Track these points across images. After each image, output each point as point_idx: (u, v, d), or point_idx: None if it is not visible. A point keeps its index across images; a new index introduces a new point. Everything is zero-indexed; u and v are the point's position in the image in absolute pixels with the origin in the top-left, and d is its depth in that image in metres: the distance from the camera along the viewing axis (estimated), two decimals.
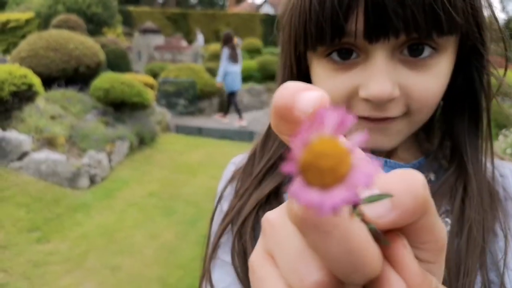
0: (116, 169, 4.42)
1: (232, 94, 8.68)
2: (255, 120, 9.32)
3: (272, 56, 14.45)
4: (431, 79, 0.39)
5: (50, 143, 4.14)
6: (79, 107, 5.29)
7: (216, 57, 12.34)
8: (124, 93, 5.01)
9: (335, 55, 0.40)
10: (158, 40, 14.53)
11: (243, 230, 0.48)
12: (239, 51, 8.52)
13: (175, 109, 9.54)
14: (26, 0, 23.14)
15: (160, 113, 6.52)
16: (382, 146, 0.42)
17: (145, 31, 14.43)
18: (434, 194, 0.43)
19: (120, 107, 5.31)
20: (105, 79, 5.02)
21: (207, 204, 3.74)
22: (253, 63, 12.92)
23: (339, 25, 0.36)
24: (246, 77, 12.44)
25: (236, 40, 22.56)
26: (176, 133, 6.71)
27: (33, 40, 5.54)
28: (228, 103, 8.77)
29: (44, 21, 15.78)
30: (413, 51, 0.38)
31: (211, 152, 5.50)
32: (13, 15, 17.35)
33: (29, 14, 16.74)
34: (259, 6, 47.13)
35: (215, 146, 5.89)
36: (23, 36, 15.95)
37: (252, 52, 16.54)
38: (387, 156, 0.48)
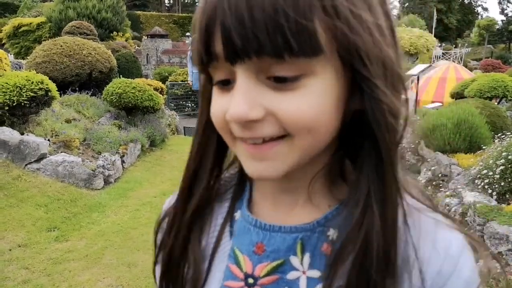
0: (129, 170, 4.58)
1: (197, 93, 9.26)
2: None
3: None
4: (299, 100, 0.37)
5: (66, 145, 4.32)
6: (92, 111, 5.48)
7: None
8: (136, 97, 5.19)
9: None
10: (166, 44, 14.77)
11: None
12: None
13: (183, 111, 9.73)
14: (36, 5, 23.57)
15: (170, 116, 6.69)
16: (269, 175, 0.40)
17: (153, 36, 14.69)
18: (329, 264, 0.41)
19: (131, 111, 5.49)
20: (118, 85, 5.19)
21: None
22: None
23: (208, 48, 0.37)
24: None
25: None
26: (184, 135, 6.87)
27: (48, 46, 5.74)
28: None
29: (55, 26, 16.11)
30: None
31: None
32: (25, 19, 17.71)
33: (40, 19, 17.09)
34: None
35: None
36: (35, 40, 16.31)
37: None
38: (303, 199, 0.46)
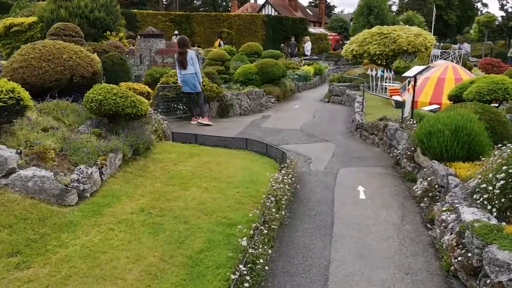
0: (108, 183, 4.33)
1: (187, 96, 9.26)
2: (253, 125, 9.23)
3: (272, 59, 14.32)
4: None
5: (40, 157, 4.06)
6: (73, 118, 5.22)
7: (216, 61, 12.26)
8: (117, 104, 4.93)
9: None
10: (160, 44, 14.48)
11: None
12: (189, 56, 8.68)
13: (174, 114, 9.48)
14: (29, 5, 23.21)
15: (157, 121, 6.43)
16: None
17: (147, 35, 14.41)
18: None
19: (114, 118, 5.23)
20: (98, 91, 4.94)
21: (196, 220, 3.64)
22: (252, 66, 12.81)
23: None
24: (245, 81, 12.36)
25: (218, 42, 22.30)
26: (173, 141, 6.61)
27: (26, 51, 5.48)
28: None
29: (47, 26, 15.77)
30: None
31: (205, 162, 5.40)
32: (17, 19, 17.38)
33: (32, 19, 16.76)
34: (261, 7, 47.03)
35: (210, 155, 5.79)
36: (26, 41, 15.98)
37: (251, 55, 16.41)
38: None
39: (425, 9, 44.58)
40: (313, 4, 62.68)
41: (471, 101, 6.13)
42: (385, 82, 12.01)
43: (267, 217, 3.55)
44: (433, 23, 30.21)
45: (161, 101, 9.23)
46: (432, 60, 13.76)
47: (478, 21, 39.60)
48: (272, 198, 3.84)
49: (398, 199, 4.61)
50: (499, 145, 5.01)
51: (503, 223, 3.10)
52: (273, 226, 3.52)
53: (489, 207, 3.32)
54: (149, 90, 7.03)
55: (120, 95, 5.03)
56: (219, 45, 21.43)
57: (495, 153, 3.64)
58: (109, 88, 5.06)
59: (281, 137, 7.92)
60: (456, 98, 6.71)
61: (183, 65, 8.87)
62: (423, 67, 6.88)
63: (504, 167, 3.27)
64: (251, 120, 9.84)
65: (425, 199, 4.38)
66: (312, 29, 41.69)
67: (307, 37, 24.97)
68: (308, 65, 20.38)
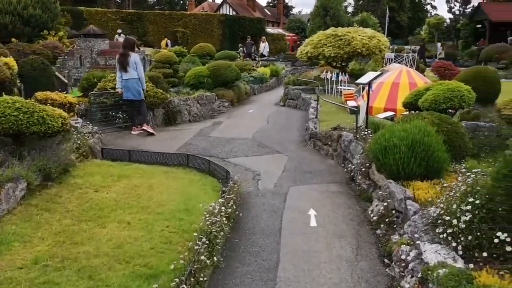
0: (2, 222, 3.47)
1: (128, 103, 8.39)
2: (201, 134, 8.50)
3: (226, 61, 13.63)
4: None
5: None
6: None
7: (164, 63, 11.38)
8: (19, 122, 4.06)
9: None
10: (103, 44, 13.35)
11: None
12: (132, 59, 7.88)
13: (113, 124, 8.56)
14: None
15: (81, 136, 5.56)
16: None
17: (87, 35, 13.23)
18: None
19: (18, 137, 4.34)
20: None
21: (106, 272, 2.89)
22: (204, 68, 12.06)
23: None
24: (196, 85, 11.60)
25: (165, 42, 21.34)
26: (102, 159, 5.77)
27: None
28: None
29: None
30: None
31: (135, 185, 4.63)
32: None
33: None
34: (218, 7, 46.16)
35: (143, 176, 5.02)
36: None
37: (203, 56, 15.64)
38: None
39: (379, 11, 45.73)
40: (271, 4, 62.60)
41: (427, 110, 5.79)
42: (340, 86, 11.70)
43: (195, 266, 2.87)
44: (386, 24, 30.83)
45: (97, 110, 8.27)
46: (386, 64, 13.68)
47: (428, 23, 41.09)
48: (204, 239, 3.17)
49: (352, 226, 4.08)
50: (458, 161, 4.71)
51: (471, 265, 2.62)
52: (201, 279, 2.84)
53: (454, 244, 2.84)
54: (72, 100, 6.12)
55: (24, 110, 4.15)
56: (167, 45, 20.40)
57: (458, 177, 3.17)
58: (11, 101, 4.17)
59: (230, 148, 7.26)
60: (411, 105, 6.36)
61: (124, 68, 8.04)
62: (377, 73, 6.49)
63: (471, 199, 2.80)
64: (200, 128, 9.11)
65: (382, 225, 3.88)
66: (270, 29, 41.43)
67: (263, 38, 24.49)
68: (265, 66, 19.89)
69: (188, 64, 13.54)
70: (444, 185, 3.57)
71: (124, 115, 8.58)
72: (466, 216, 2.78)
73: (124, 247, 3.30)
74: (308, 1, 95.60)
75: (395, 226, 3.73)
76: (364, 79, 6.21)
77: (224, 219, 3.61)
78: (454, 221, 2.88)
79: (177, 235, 3.56)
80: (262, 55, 23.27)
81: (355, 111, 6.60)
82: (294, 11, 72.66)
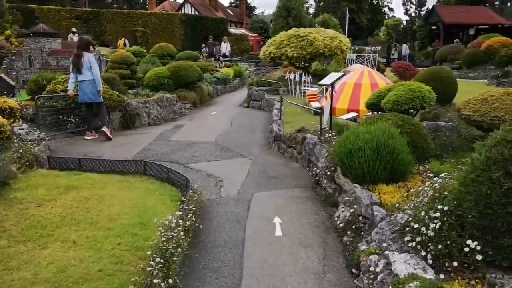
0: None
1: (85, 107, 7.91)
2: (161, 138, 8.11)
3: (186, 61, 13.22)
4: None
5: None
6: None
7: (120, 64, 10.82)
8: None
9: None
10: (54, 44, 12.54)
11: None
12: (86, 59, 7.46)
13: (65, 129, 7.98)
14: None
15: (24, 144, 5.06)
16: None
17: (37, 34, 12.38)
18: None
19: None
20: None
21: None
22: (164, 69, 11.61)
23: None
24: (157, 86, 11.14)
25: (123, 41, 20.59)
26: (49, 168, 5.28)
27: None
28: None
29: None
30: None
31: (84, 197, 4.23)
32: None
33: None
34: (180, 6, 45.31)
35: (94, 186, 4.62)
36: None
37: (164, 57, 15.14)
38: None
39: (339, 12, 46.63)
40: (233, 4, 62.32)
41: (389, 111, 5.76)
42: (304, 86, 11.65)
43: None
44: (347, 25, 31.46)
45: (46, 114, 7.67)
46: (348, 64, 13.80)
47: (386, 24, 42.41)
48: (159, 259, 2.87)
49: (318, 233, 3.92)
50: (421, 162, 4.67)
51: (442, 275, 2.51)
52: None
53: (423, 252, 2.72)
54: (13, 104, 5.58)
55: None
56: (125, 44, 19.63)
57: (427, 184, 3.07)
58: None
59: (191, 153, 6.93)
60: (374, 106, 6.33)
61: (78, 69, 7.56)
62: (340, 74, 6.41)
63: (440, 206, 2.69)
64: (161, 132, 8.70)
65: (349, 232, 3.74)
66: (233, 30, 41.18)
67: (225, 37, 24.17)
68: (228, 67, 19.61)
69: (148, 65, 13.02)
70: (411, 190, 3.46)
71: (77, 119, 8.03)
72: (435, 224, 2.67)
73: (68, 271, 2.94)
74: (270, 1, 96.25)
75: (362, 233, 3.59)
76: (327, 80, 6.10)
77: (182, 233, 3.32)
78: (423, 229, 2.77)
79: (130, 253, 3.23)
80: (224, 55, 22.95)
81: (318, 112, 6.49)
82: (257, 11, 72.80)
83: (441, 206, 2.68)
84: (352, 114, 7.21)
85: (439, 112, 7.57)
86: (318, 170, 5.27)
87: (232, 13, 53.99)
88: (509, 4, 38.08)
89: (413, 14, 57.49)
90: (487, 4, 45.36)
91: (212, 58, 22.10)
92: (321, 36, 12.79)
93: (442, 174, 3.20)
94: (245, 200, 4.78)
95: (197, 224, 3.86)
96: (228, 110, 12.10)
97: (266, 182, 5.42)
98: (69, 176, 4.94)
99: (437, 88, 6.95)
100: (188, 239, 3.57)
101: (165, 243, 3.11)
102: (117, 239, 3.45)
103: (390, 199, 3.70)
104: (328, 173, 4.76)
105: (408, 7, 58.20)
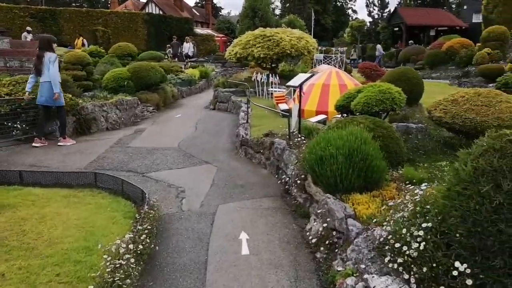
0: None
1: (43, 109, 7.29)
2: (119, 144, 7.52)
3: (148, 62, 12.57)
4: None
5: None
6: None
7: (74, 64, 10.06)
8: None
9: None
10: (2, 43, 11.58)
11: None
12: (48, 60, 6.95)
13: (10, 136, 7.24)
14: None
15: None
16: None
17: None
18: None
19: None
20: None
21: None
22: (124, 70, 10.94)
23: None
24: (116, 88, 10.47)
25: (81, 41, 19.66)
26: None
27: None
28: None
29: None
30: None
31: (22, 218, 3.68)
32: None
33: None
34: (144, 5, 44.01)
35: (34, 204, 4.06)
36: None
37: (124, 57, 14.40)
38: None
39: (305, 13, 46.95)
40: (199, 4, 61.40)
41: (360, 113, 5.53)
42: (271, 87, 11.36)
43: None
44: (312, 26, 31.62)
45: None
46: (315, 65, 13.65)
47: (351, 25, 43.08)
48: None
49: (289, 250, 3.57)
50: (394, 167, 4.44)
51: None
52: None
53: (406, 275, 2.42)
54: None
55: None
56: (83, 44, 18.66)
57: (407, 197, 2.78)
58: None
59: (151, 160, 6.42)
60: (343, 108, 6.09)
61: (37, 70, 7.05)
62: (308, 75, 6.13)
63: (424, 224, 2.40)
64: (119, 137, 8.11)
65: (322, 248, 3.41)
66: (199, 30, 40.46)
67: (187, 38, 23.51)
68: (194, 68, 19.06)
69: (106, 66, 12.28)
70: (390, 204, 3.17)
71: (24, 125, 7.30)
72: (418, 243, 2.38)
73: None
74: (237, 2, 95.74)
75: (336, 249, 3.27)
76: (295, 82, 5.80)
77: (133, 260, 2.87)
78: (404, 248, 2.47)
79: (70, 287, 2.74)
80: (187, 56, 22.34)
81: (287, 115, 6.18)
82: (223, 12, 72.22)
83: (425, 223, 2.39)
84: (321, 117, 6.95)
85: (408, 113, 7.47)
86: (287, 178, 4.94)
87: (198, 13, 53.16)
88: (465, 7, 39.64)
89: (376, 16, 58.90)
90: (445, 7, 47.17)
91: (176, 59, 21.44)
92: (287, 36, 12.54)
93: (423, 185, 2.93)
94: (209, 213, 4.36)
95: (152, 245, 3.40)
96: (193, 112, 11.61)
97: (232, 192, 5.02)
98: (6, 192, 4.33)
99: (404, 89, 6.78)
100: (142, 265, 3.11)
101: (111, 274, 2.65)
102: (56, 268, 2.94)
103: (365, 211, 3.41)
104: (298, 181, 4.43)
105: (371, 9, 59.66)
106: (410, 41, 28.92)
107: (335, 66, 12.37)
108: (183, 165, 6.24)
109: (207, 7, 54.23)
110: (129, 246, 2.95)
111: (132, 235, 3.16)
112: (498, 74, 14.37)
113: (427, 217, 2.47)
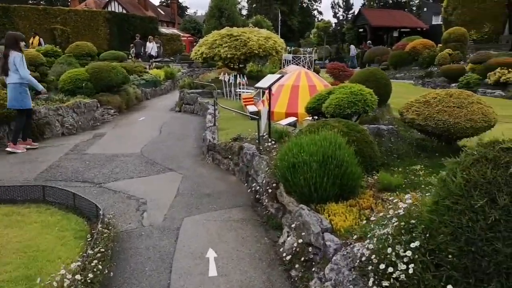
0: None
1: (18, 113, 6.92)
2: (75, 151, 6.94)
3: (109, 62, 11.90)
4: None
5: None
6: None
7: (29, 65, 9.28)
8: None
9: None
10: None
11: None
12: (13, 59, 6.44)
13: None
14: None
15: None
16: None
17: None
18: None
19: None
20: None
21: None
22: (82, 71, 10.26)
23: None
24: (74, 90, 9.78)
25: (37, 40, 18.61)
26: None
27: None
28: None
29: None
30: None
31: None
32: None
33: None
34: (106, 4, 42.44)
35: None
36: None
37: (82, 57, 13.62)
38: None
39: (272, 14, 46.98)
40: (164, 4, 60.09)
41: (332, 115, 5.31)
42: (239, 88, 11.04)
43: None
44: (279, 27, 31.58)
45: None
46: (284, 65, 13.46)
47: (317, 26, 43.54)
48: None
49: (262, 269, 3.25)
50: (369, 173, 4.24)
51: None
52: None
53: None
54: None
55: None
56: (39, 44, 17.60)
57: (390, 211, 2.53)
58: None
59: (110, 169, 5.93)
60: (314, 110, 5.86)
61: (4, 71, 6.58)
62: (277, 76, 5.86)
63: (412, 244, 2.15)
64: (76, 143, 7.52)
65: (297, 265, 3.13)
66: (164, 29, 39.53)
67: (151, 37, 22.71)
68: (159, 68, 18.42)
69: (63, 66, 11.52)
70: (371, 218, 2.93)
71: None
72: (406, 265, 2.13)
73: None
74: (203, 2, 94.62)
75: (313, 267, 2.99)
76: (264, 83, 5.51)
77: None
78: (390, 269, 2.23)
79: None
80: (151, 56, 21.61)
81: (256, 118, 5.88)
82: (189, 11, 71.15)
83: (412, 243, 2.15)
84: (291, 119, 6.70)
85: (377, 114, 7.37)
86: (258, 186, 4.63)
87: (163, 13, 52.00)
88: (425, 9, 41.02)
89: (341, 17, 59.91)
90: (406, 9, 48.68)
91: (140, 59, 20.70)
92: (255, 36, 12.27)
93: (407, 196, 2.70)
94: (173, 228, 3.97)
95: (106, 271, 2.99)
96: (158, 115, 11.09)
97: (198, 202, 4.65)
98: None
99: (373, 90, 6.71)
100: None
101: None
102: None
103: (342, 223, 3.15)
104: (270, 190, 4.12)
105: (337, 10, 60.58)
106: (368, 41, 29.52)
107: (304, 67, 12.22)
108: (146, 173, 5.80)
109: (173, 6, 53.21)
110: (76, 276, 2.53)
111: (80, 263, 2.73)
112: (460, 74, 14.81)
113: (414, 234, 2.23)
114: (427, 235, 2.18)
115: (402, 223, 2.35)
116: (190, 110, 11.48)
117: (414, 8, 52.97)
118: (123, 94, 11.84)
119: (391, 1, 53.47)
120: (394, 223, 2.42)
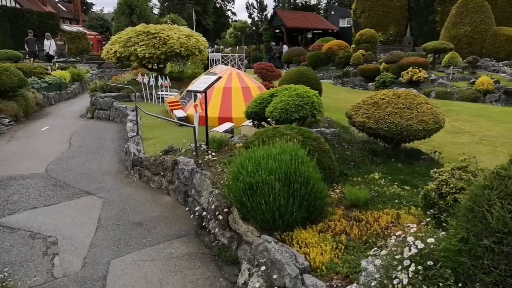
0: None
1: None
2: None
3: (6, 62, 9.94)
4: None
5: None
6: None
7: None
8: None
9: None
10: None
11: None
12: None
13: None
14: None
15: None
16: None
17: None
18: None
19: None
20: None
21: None
22: None
23: None
24: None
25: None
26: None
27: None
28: None
29: None
30: None
31: None
32: None
33: None
34: None
35: None
36: None
37: None
38: None
39: (185, 14, 45.58)
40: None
41: (277, 121, 4.77)
42: (161, 91, 10.02)
43: None
44: (194, 27, 30.59)
45: None
46: (212, 65, 12.68)
47: (234, 26, 43.32)
48: None
49: None
50: (329, 185, 3.74)
51: None
52: None
53: None
54: None
55: None
56: None
57: (398, 250, 2.00)
58: None
59: (5, 197, 4.65)
60: (256, 115, 5.27)
61: None
62: (214, 77, 5.14)
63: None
64: None
65: None
66: (67, 27, 35.85)
67: (48, 34, 20.16)
68: (63, 69, 16.31)
69: None
70: (354, 249, 2.38)
71: None
72: None
73: None
74: None
75: None
76: (199, 87, 4.75)
77: None
78: None
79: None
80: (48, 56, 19.18)
81: (190, 126, 5.09)
82: (95, 8, 65.98)
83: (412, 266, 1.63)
84: (228, 125, 6.03)
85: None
86: (202, 210, 3.86)
87: (64, 9, 47.35)
88: (332, 12, 43.26)
89: (256, 18, 60.63)
90: (314, 12, 50.97)
91: (33, 58, 18.25)
92: (175, 34, 11.30)
93: (411, 224, 2.19)
94: (96, 278, 3.04)
95: None
96: (65, 123, 9.54)
97: (128, 236, 3.73)
98: None
99: None
100: None
101: None
102: None
103: (320, 258, 2.58)
104: (220, 216, 3.40)
105: (251, 11, 61.19)
106: (272, 43, 30.26)
107: (234, 67, 11.60)
108: (54, 200, 4.64)
109: (76, 2, 48.69)
110: None
111: None
112: (376, 73, 15.53)
113: (440, 283, 1.72)
114: (459, 285, 1.69)
115: (419, 267, 1.83)
116: (105, 116, 10.12)
117: (322, 12, 55.72)
118: (20, 100, 10.04)
119: (300, 4, 55.46)
120: (405, 265, 1.89)
